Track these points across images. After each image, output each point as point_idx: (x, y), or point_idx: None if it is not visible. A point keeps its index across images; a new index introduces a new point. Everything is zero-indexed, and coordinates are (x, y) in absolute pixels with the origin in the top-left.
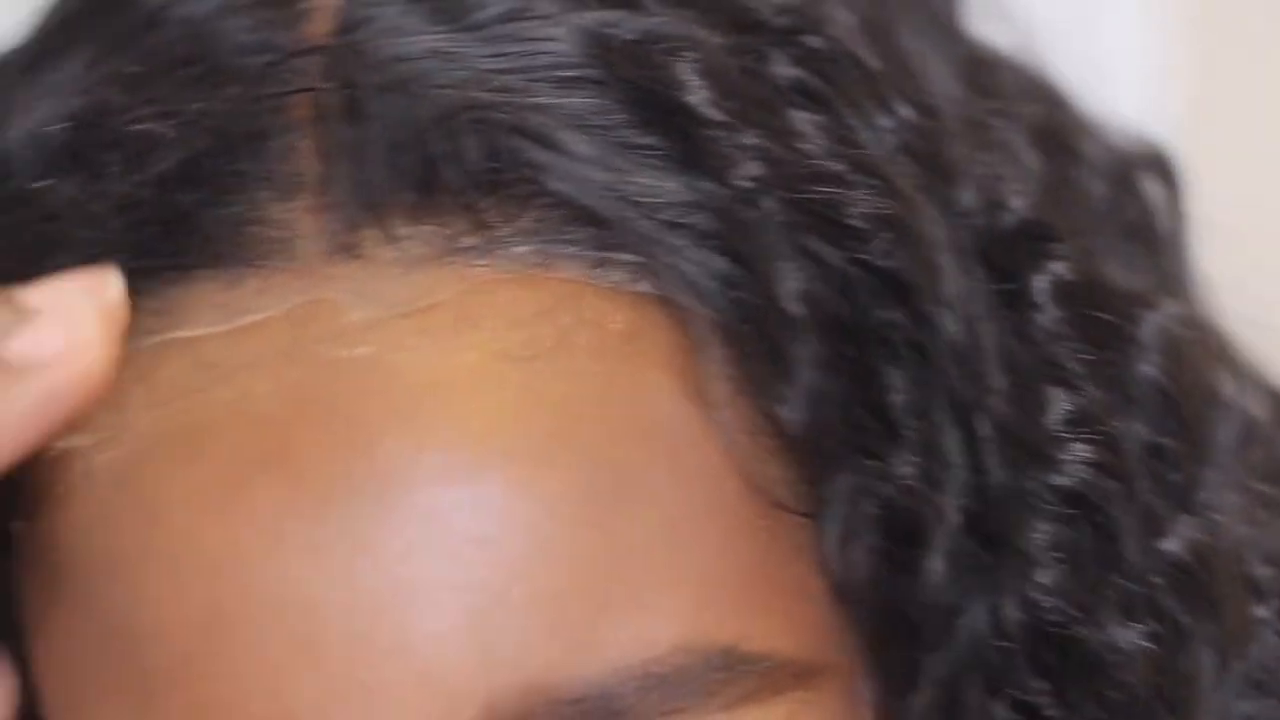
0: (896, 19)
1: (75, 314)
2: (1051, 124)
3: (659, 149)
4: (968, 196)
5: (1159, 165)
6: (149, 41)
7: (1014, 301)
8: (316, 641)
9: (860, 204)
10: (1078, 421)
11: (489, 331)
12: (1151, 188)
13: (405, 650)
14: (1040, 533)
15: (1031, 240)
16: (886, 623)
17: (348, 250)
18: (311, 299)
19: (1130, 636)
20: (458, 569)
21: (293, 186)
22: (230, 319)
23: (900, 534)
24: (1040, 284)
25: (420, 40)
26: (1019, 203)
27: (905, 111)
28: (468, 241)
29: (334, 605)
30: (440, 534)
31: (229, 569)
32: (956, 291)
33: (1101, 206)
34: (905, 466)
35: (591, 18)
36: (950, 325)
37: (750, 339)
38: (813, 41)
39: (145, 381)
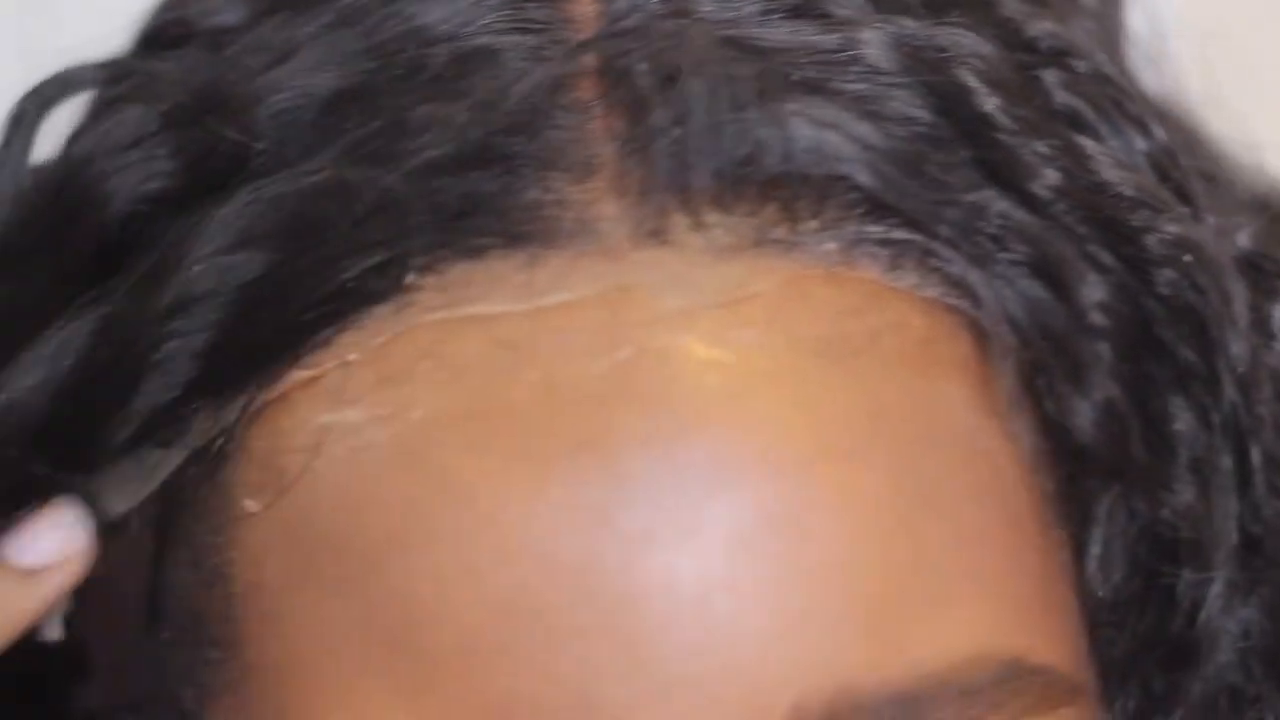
0: (1114, 47)
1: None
2: (1214, 166)
3: (959, 156)
4: (1210, 222)
5: None
6: (404, 13)
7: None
8: (629, 633)
9: (1159, 229)
10: None
11: (806, 326)
12: None
13: (722, 646)
14: None
15: (1264, 273)
16: (1146, 644)
17: (655, 236)
18: (622, 283)
19: None
20: (781, 565)
21: (588, 170)
22: (532, 298)
23: (1166, 557)
24: (1278, 315)
25: (710, 26)
26: (1243, 236)
27: (1158, 134)
28: (776, 233)
29: (655, 596)
30: (769, 527)
31: (535, 555)
32: (1245, 319)
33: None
34: (1183, 490)
35: (883, 21)
36: (1239, 353)
37: (1047, 350)
38: (1079, 65)
39: (434, 357)
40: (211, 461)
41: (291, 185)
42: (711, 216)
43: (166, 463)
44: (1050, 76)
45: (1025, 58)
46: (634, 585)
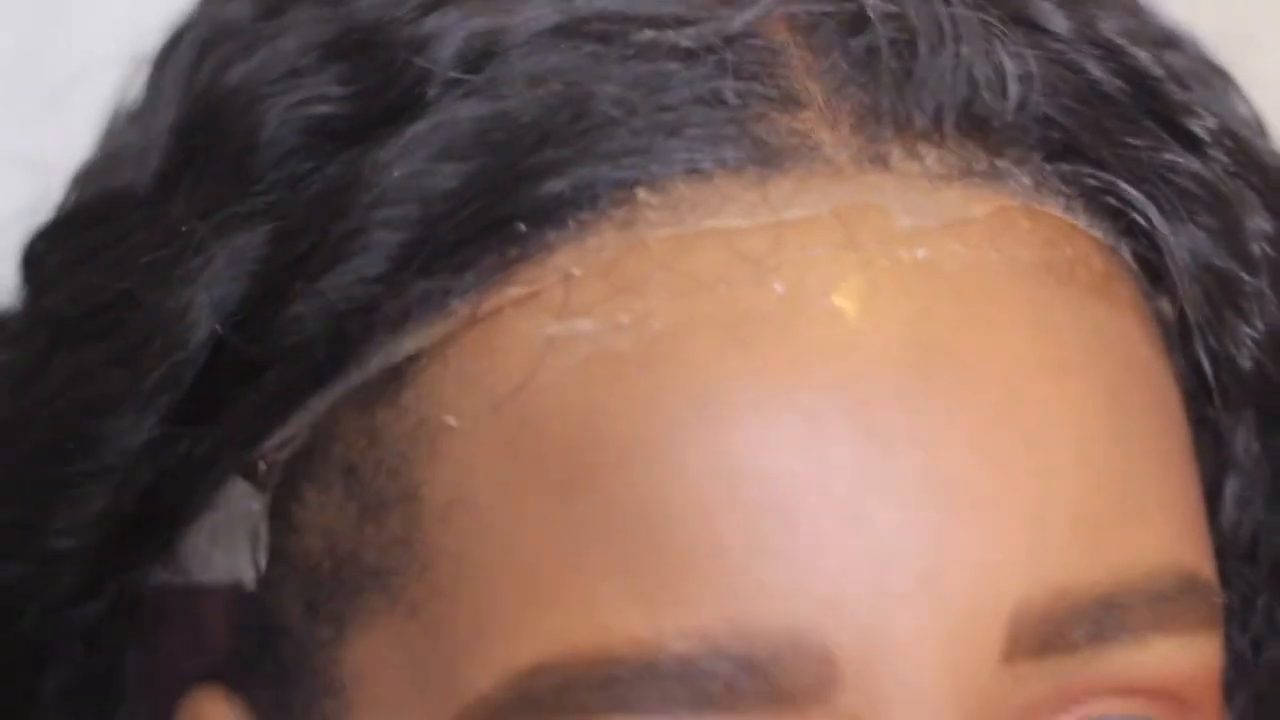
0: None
1: None
2: None
3: (1134, 102)
4: None
5: None
6: None
7: None
8: (873, 532)
9: None
10: None
11: (1020, 252)
12: None
13: (958, 547)
14: None
15: None
16: (1270, 575)
17: (878, 160)
18: (855, 202)
19: None
20: (1012, 468)
21: (797, 102)
22: (770, 213)
23: None
24: None
25: None
26: None
27: (1244, 109)
28: (981, 165)
29: (896, 496)
30: (1001, 429)
31: (789, 455)
32: None
33: None
34: None
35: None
36: None
37: (1213, 285)
38: (1190, 49)
39: (671, 269)
40: (391, 386)
41: (503, 103)
42: (925, 147)
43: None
44: (1174, 57)
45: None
46: (881, 482)
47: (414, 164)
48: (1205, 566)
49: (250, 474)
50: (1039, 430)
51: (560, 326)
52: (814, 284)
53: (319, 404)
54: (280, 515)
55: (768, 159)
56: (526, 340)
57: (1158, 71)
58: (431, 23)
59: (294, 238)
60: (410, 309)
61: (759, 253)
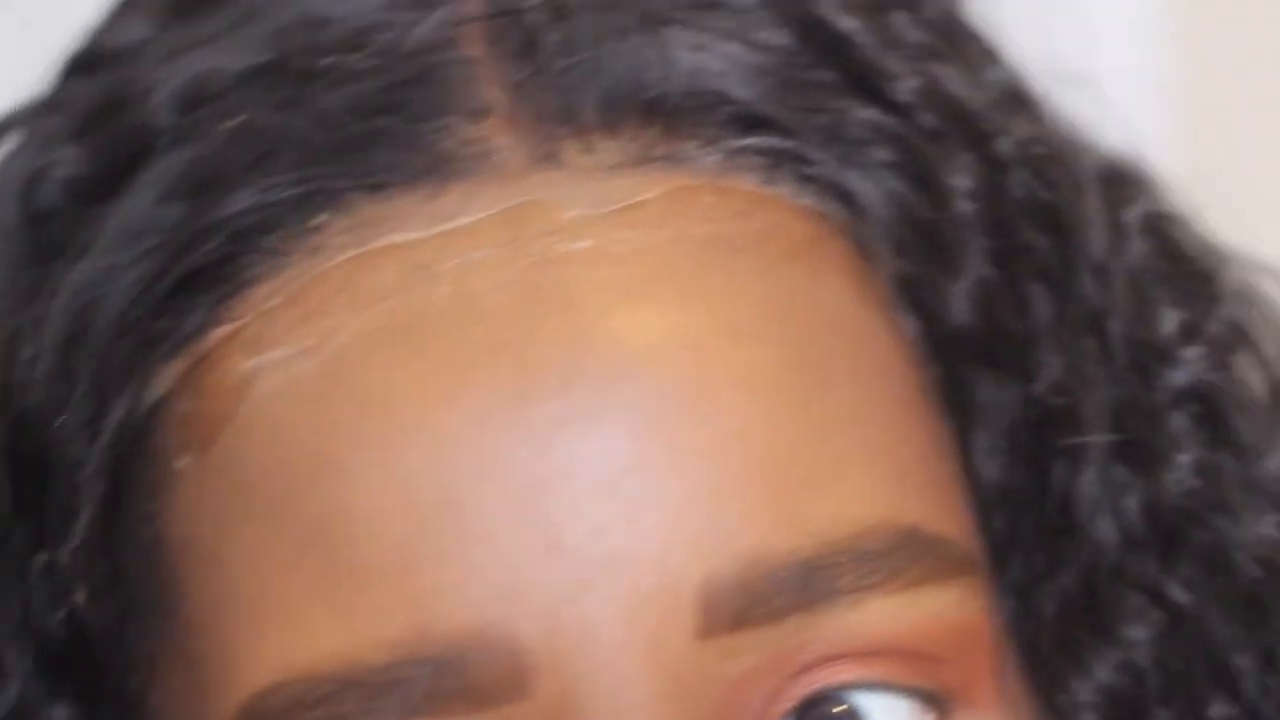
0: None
1: None
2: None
3: (824, 71)
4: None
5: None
6: (301, 5)
7: (1112, 233)
8: (546, 520)
9: (1009, 131)
10: (1188, 331)
11: (696, 227)
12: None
13: (632, 524)
14: (1171, 427)
15: (1117, 181)
16: (1025, 522)
17: (550, 159)
18: (523, 201)
19: (1261, 529)
20: (683, 443)
21: (483, 110)
22: (439, 223)
23: (1044, 438)
24: (1133, 215)
25: None
26: (1099, 151)
27: (1005, 64)
28: (660, 150)
29: (566, 482)
30: (666, 411)
31: (457, 455)
32: (1098, 211)
33: None
34: (1050, 370)
35: None
36: (1093, 243)
37: (919, 242)
38: (927, 10)
39: (349, 290)
40: (139, 433)
41: (201, 145)
42: (600, 141)
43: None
44: (901, 18)
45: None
46: (545, 474)
47: (140, 208)
48: (934, 520)
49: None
50: (714, 401)
51: (259, 359)
52: (477, 285)
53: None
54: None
55: (444, 170)
56: (232, 376)
57: (859, 39)
58: (159, 73)
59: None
60: (148, 354)
61: (427, 261)
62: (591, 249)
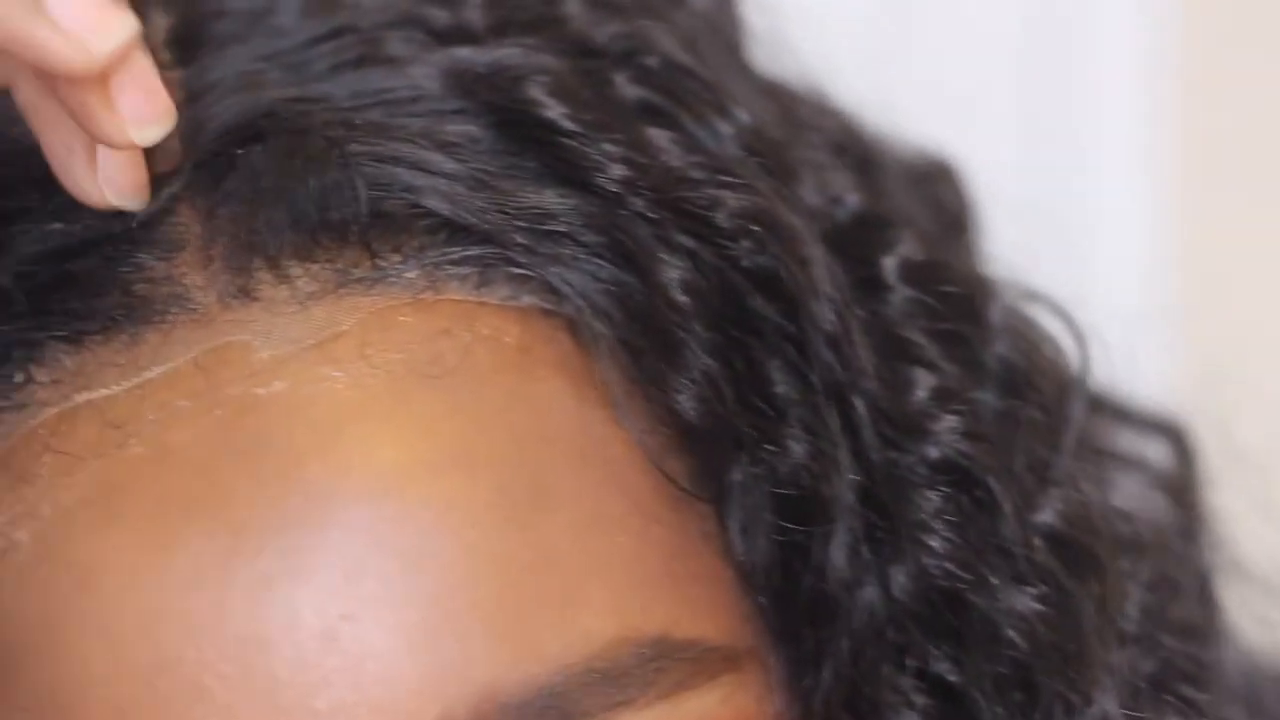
0: (702, 42)
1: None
2: (848, 138)
3: (526, 165)
4: (809, 193)
5: (948, 174)
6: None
7: (867, 286)
8: (266, 676)
9: (726, 204)
10: (942, 396)
11: (393, 354)
12: (945, 192)
13: (356, 673)
14: (924, 503)
15: (873, 228)
16: (789, 603)
17: (243, 294)
18: (216, 344)
19: (1021, 600)
20: (397, 585)
21: (177, 245)
22: (134, 375)
23: (795, 516)
24: (889, 265)
25: (273, 91)
26: (853, 197)
27: (742, 116)
28: (357, 273)
29: (281, 638)
30: (376, 553)
31: (169, 618)
32: (825, 280)
33: (910, 209)
34: (795, 449)
35: (442, 55)
36: (823, 314)
37: (639, 336)
38: (649, 61)
39: (53, 450)
40: None
41: None
42: (295, 269)
43: None
44: (621, 76)
45: (593, 63)
46: (261, 630)
47: None
48: (685, 622)
49: None
50: (421, 540)
51: None
52: (174, 440)
53: None
54: None
55: (137, 315)
56: None
57: (563, 125)
58: None
59: None
60: None
61: (123, 418)
62: (287, 391)
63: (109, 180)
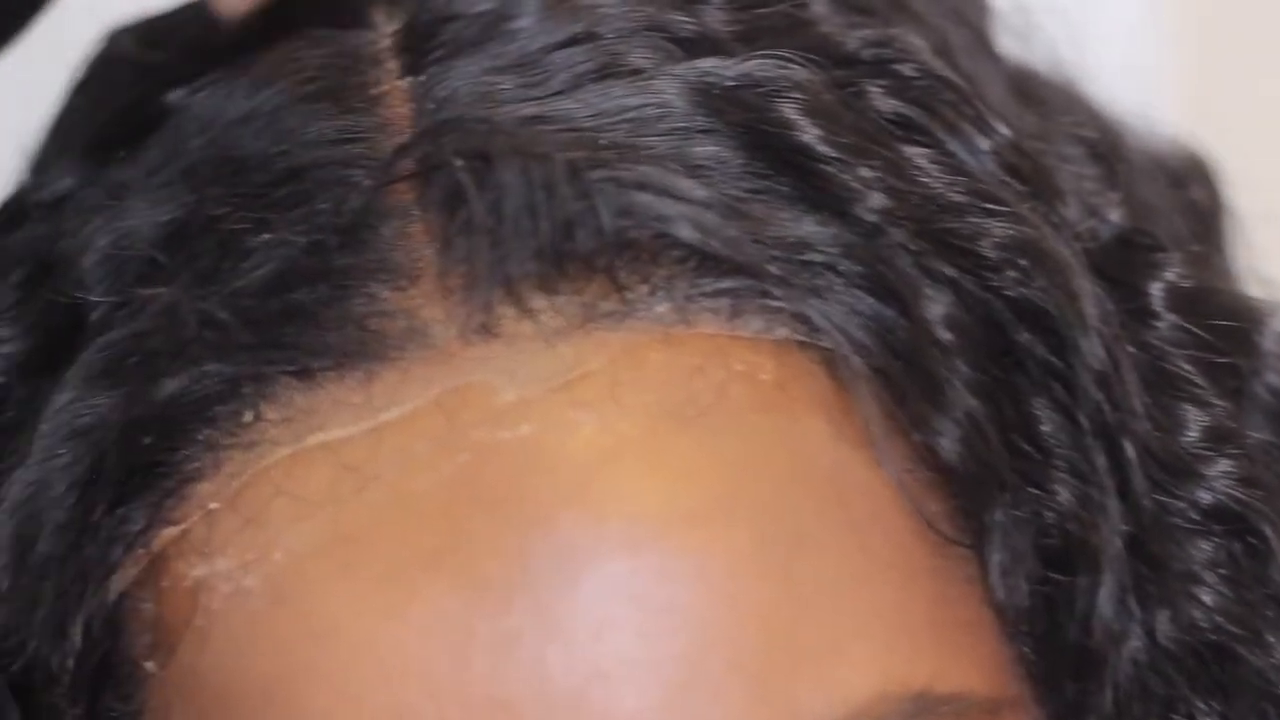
0: (953, 41)
1: None
2: (1099, 133)
3: (779, 191)
4: (1072, 212)
5: (1200, 170)
6: (219, 141)
7: (1133, 314)
8: None
9: (991, 234)
10: (1216, 437)
11: (646, 395)
12: (1197, 192)
13: None
14: (1195, 552)
15: (1138, 250)
16: (1050, 652)
17: (485, 330)
18: (458, 384)
19: None
20: (652, 642)
21: (411, 274)
22: (371, 417)
23: (1060, 562)
24: (1157, 292)
25: (514, 109)
26: (1115, 214)
27: (1001, 130)
28: (605, 307)
29: (528, 697)
30: (630, 608)
31: (407, 673)
32: (1095, 314)
33: (1167, 217)
34: (1062, 493)
35: (686, 68)
36: (1093, 350)
37: (901, 372)
38: (904, 70)
39: (286, 494)
40: (110, 632)
41: (125, 328)
42: (538, 302)
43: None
44: (875, 88)
45: (846, 73)
46: (507, 689)
47: (76, 395)
48: (948, 673)
49: None
50: (679, 597)
51: (205, 567)
52: (414, 486)
53: None
54: None
55: (372, 352)
56: (182, 582)
57: (819, 150)
58: (84, 234)
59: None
60: (101, 558)
61: (359, 462)
62: (534, 435)
63: None
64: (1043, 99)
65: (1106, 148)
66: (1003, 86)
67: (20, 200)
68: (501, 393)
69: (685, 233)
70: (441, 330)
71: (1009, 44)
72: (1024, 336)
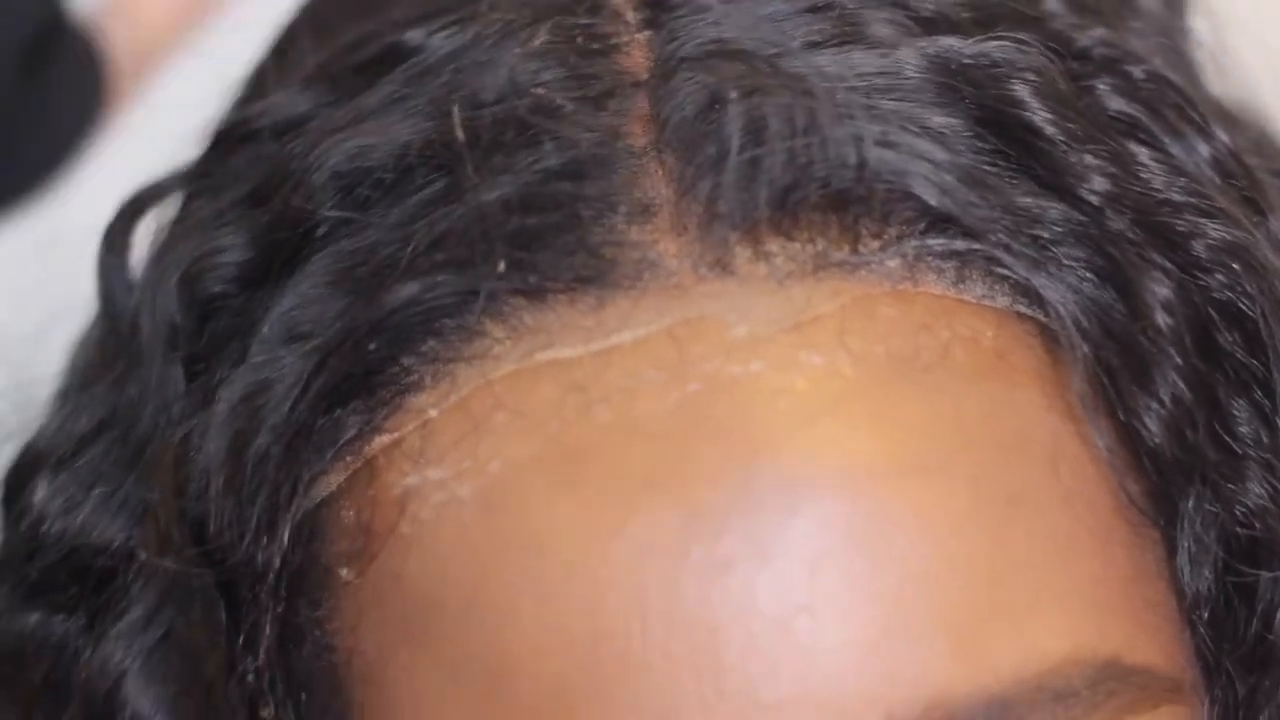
0: (1170, 59)
1: None
2: None
3: (1008, 166)
4: (1275, 224)
5: None
6: (464, 77)
7: None
8: (714, 660)
9: (1206, 234)
10: None
11: (874, 345)
12: None
13: (808, 668)
14: None
15: None
16: (1230, 643)
17: (720, 267)
18: (690, 316)
19: None
20: (860, 582)
21: (647, 210)
22: (601, 339)
23: (1247, 556)
24: None
25: (754, 60)
26: None
27: (1220, 139)
28: (837, 256)
29: (734, 625)
30: (845, 545)
31: (618, 592)
32: None
33: None
34: (1255, 489)
35: (927, 42)
36: None
37: (1115, 353)
38: (1134, 71)
39: (508, 408)
40: (307, 538)
41: (356, 239)
42: (773, 244)
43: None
44: (1104, 85)
45: (1078, 67)
46: (714, 614)
47: (301, 302)
48: (1136, 648)
49: None
50: (894, 541)
51: (416, 475)
52: (639, 410)
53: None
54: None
55: (606, 278)
56: (392, 489)
57: (1049, 131)
58: (319, 152)
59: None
60: (312, 460)
61: (587, 382)
62: (763, 372)
63: None
64: (1243, 126)
65: None
66: (1212, 108)
67: (243, 123)
68: (733, 328)
69: (924, 191)
70: (676, 264)
71: (1210, 77)
72: (1228, 337)
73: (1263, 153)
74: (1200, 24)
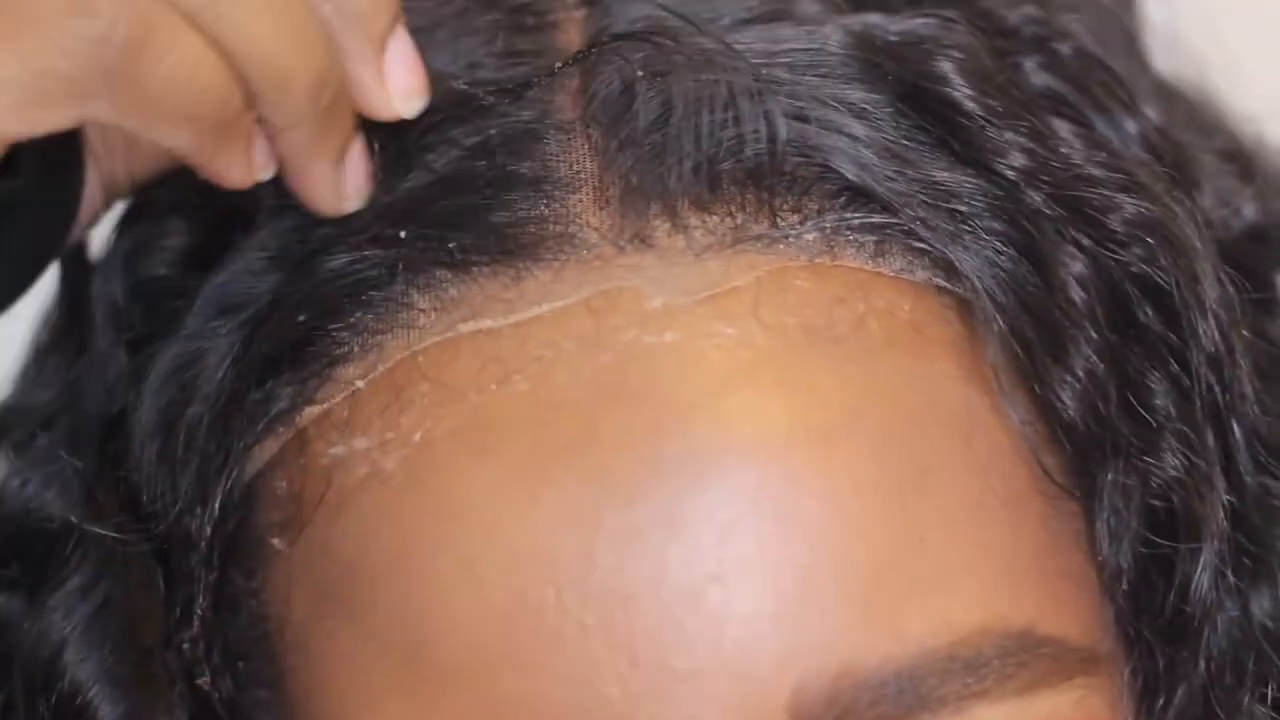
0: (1106, 36)
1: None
2: (1235, 144)
3: (921, 140)
4: (1206, 201)
5: None
6: None
7: (1256, 305)
8: (627, 630)
9: (1122, 209)
10: None
11: (787, 317)
12: None
13: (718, 635)
14: None
15: (1267, 244)
16: (1147, 617)
17: (638, 240)
18: (608, 288)
19: None
20: (770, 550)
21: (571, 184)
22: (521, 310)
23: (1163, 530)
24: None
25: (683, 38)
26: (1249, 209)
27: (1149, 116)
28: (755, 230)
29: (647, 593)
30: (753, 515)
31: (533, 561)
32: (1215, 298)
33: None
34: (1170, 462)
35: (854, 19)
36: (1209, 333)
37: (1030, 327)
38: (1061, 48)
39: (430, 379)
40: (240, 508)
41: (291, 219)
42: (692, 218)
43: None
44: (1031, 62)
45: (1005, 44)
46: (626, 583)
47: (235, 275)
48: (1049, 618)
49: None
50: (803, 509)
51: (343, 446)
52: (556, 381)
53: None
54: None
55: (528, 251)
56: (318, 460)
57: (968, 107)
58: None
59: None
60: (244, 431)
61: (507, 353)
62: (677, 342)
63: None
64: (1185, 105)
65: (1243, 154)
66: (1149, 86)
67: None
68: (650, 300)
69: (843, 166)
70: (596, 237)
71: (1160, 59)
72: (1144, 311)
73: (1202, 129)
74: (1152, 6)
